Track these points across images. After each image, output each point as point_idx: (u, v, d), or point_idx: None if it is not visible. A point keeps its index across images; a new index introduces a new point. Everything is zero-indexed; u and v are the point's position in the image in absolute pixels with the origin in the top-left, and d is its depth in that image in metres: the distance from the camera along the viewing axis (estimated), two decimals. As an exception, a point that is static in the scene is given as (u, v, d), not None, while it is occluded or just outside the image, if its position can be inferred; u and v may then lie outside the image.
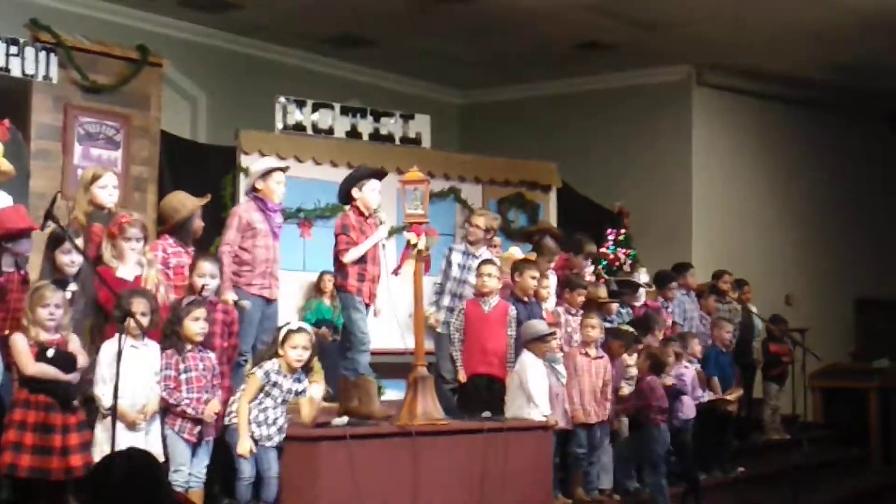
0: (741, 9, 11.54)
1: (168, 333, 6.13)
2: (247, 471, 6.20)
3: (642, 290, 10.27)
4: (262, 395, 6.29)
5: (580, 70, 13.81)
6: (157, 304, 6.06)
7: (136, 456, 3.55)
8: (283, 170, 7.44)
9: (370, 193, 7.32)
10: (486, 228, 8.78)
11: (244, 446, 6.18)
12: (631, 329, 8.66)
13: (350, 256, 7.19)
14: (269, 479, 6.26)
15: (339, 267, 7.28)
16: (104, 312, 6.10)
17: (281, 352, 6.40)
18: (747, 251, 13.55)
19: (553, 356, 7.83)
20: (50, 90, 9.32)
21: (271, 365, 6.35)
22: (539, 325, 7.76)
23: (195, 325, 6.16)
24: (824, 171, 15.13)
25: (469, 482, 7.09)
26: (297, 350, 6.41)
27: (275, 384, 6.33)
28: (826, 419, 13.52)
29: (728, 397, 9.74)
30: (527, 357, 7.67)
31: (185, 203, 7.04)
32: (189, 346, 6.13)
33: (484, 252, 8.61)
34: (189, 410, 6.01)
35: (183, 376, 6.08)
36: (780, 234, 14.48)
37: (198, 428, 6.07)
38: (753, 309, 11.42)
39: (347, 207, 7.44)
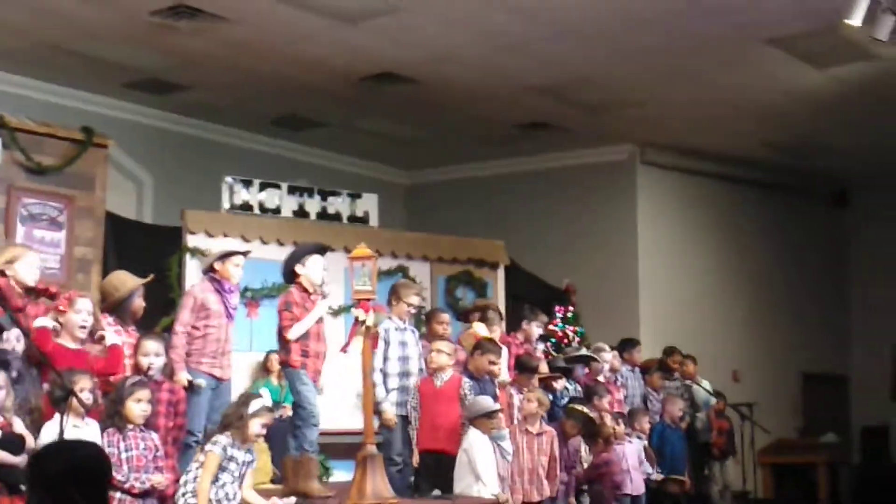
0: (682, 90, 11.76)
1: (110, 413, 6.02)
2: None
3: (606, 356, 10.20)
4: (219, 471, 6.16)
5: (525, 149, 13.96)
6: (97, 382, 5.97)
7: (81, 447, 3.48)
8: (244, 254, 7.49)
9: (313, 269, 7.34)
10: (417, 305, 8.71)
11: None
12: (584, 409, 8.58)
13: (294, 332, 7.17)
14: None
15: (283, 343, 7.26)
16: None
17: (242, 424, 6.23)
18: (694, 327, 13.63)
19: (499, 433, 7.75)
20: (-7, 171, 9.26)
21: (226, 440, 6.21)
22: (485, 402, 7.69)
23: (137, 406, 6.05)
24: (770, 247, 15.33)
25: (420, 562, 6.98)
26: (262, 428, 6.29)
27: (231, 458, 6.19)
28: (776, 495, 13.52)
29: (680, 479, 9.72)
30: (473, 434, 7.58)
31: (126, 282, 7.05)
32: (130, 426, 6.02)
33: (409, 324, 8.46)
34: (136, 484, 5.88)
35: (124, 455, 5.96)
36: (727, 310, 14.60)
37: None
38: (704, 384, 11.45)
39: (291, 287, 7.41)
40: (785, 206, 15.54)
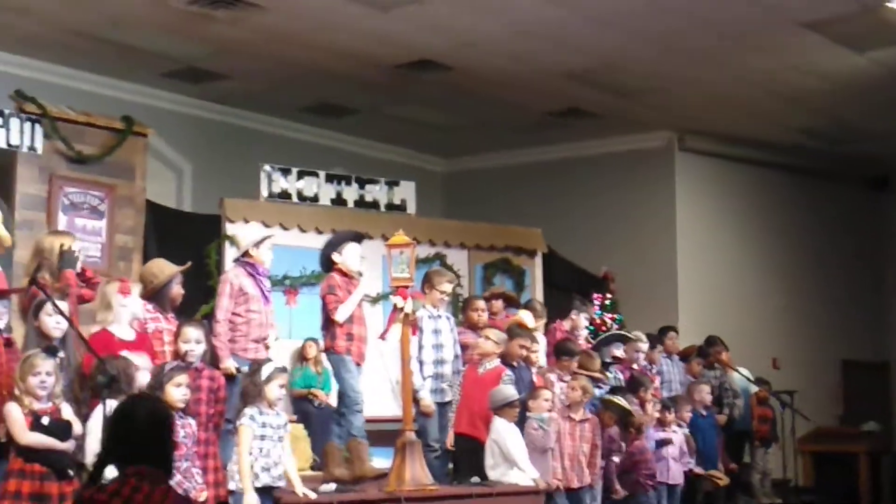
0: (717, 75, 11.67)
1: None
2: None
3: (642, 346, 10.13)
4: (259, 441, 6.21)
5: (563, 137, 13.92)
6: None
7: (157, 399, 3.76)
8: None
9: (350, 257, 7.37)
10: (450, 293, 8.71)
11: (250, 501, 6.10)
12: (625, 404, 8.54)
13: (341, 314, 7.19)
14: None
15: (328, 328, 7.28)
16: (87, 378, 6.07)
17: (258, 391, 6.32)
18: (733, 314, 13.55)
19: (540, 415, 7.76)
20: (35, 161, 9.35)
21: (251, 410, 6.28)
22: (507, 391, 7.68)
23: (177, 391, 6.10)
24: (808, 233, 15.21)
25: (459, 548, 7.00)
26: (280, 389, 6.40)
27: (264, 424, 6.27)
28: (817, 483, 13.43)
29: (717, 477, 9.67)
30: (500, 423, 7.59)
31: (164, 269, 7.12)
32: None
33: (444, 311, 8.47)
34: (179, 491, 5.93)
35: None
36: (765, 297, 14.50)
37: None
38: (743, 371, 11.39)
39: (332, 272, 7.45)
40: (823, 191, 15.39)
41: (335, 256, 7.39)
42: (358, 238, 7.57)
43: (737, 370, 11.31)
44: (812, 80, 11.84)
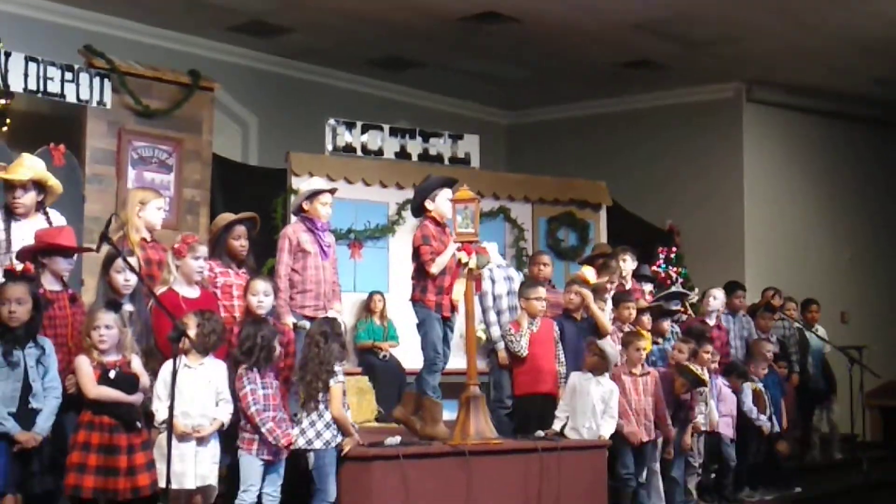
0: (789, 24, 11.45)
1: (246, 351, 6.13)
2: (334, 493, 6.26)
3: (715, 304, 10.02)
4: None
5: (628, 88, 13.78)
6: (217, 324, 6.09)
7: None
8: (331, 192, 7.42)
9: (443, 203, 7.22)
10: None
11: (352, 441, 6.32)
12: (696, 369, 8.45)
13: (437, 265, 7.06)
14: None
15: (420, 279, 7.16)
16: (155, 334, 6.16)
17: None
18: (800, 268, 13.40)
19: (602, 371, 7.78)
20: (104, 115, 9.47)
21: (339, 367, 6.40)
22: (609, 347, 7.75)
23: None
24: (878, 186, 14.96)
25: (524, 502, 7.03)
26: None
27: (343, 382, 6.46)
28: (884, 438, 13.30)
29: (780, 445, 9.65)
30: (575, 377, 7.63)
31: (221, 219, 7.17)
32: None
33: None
34: (270, 439, 6.04)
35: (260, 392, 6.10)
36: (834, 251, 14.32)
37: (274, 448, 6.11)
38: (819, 329, 11.26)
39: (425, 220, 7.33)
40: (893, 142, 15.09)
41: (428, 203, 7.23)
42: (450, 183, 7.38)
43: (808, 328, 11.15)
44: (885, 29, 11.55)
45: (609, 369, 7.63)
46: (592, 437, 7.50)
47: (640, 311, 8.63)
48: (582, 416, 7.54)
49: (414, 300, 7.23)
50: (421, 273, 7.14)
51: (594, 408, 7.52)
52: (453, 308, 7.20)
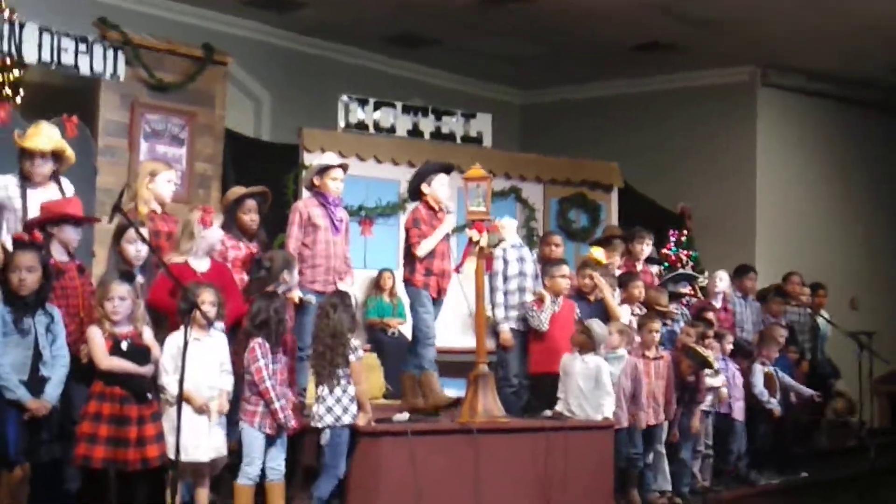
0: (806, 8, 11.39)
1: (258, 324, 6.10)
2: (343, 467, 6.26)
3: (721, 288, 10.02)
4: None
5: (642, 70, 13.73)
6: (224, 297, 6.10)
7: None
8: (343, 167, 7.45)
9: (439, 188, 7.31)
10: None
11: (366, 417, 6.33)
12: (703, 351, 8.45)
13: (423, 249, 7.17)
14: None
15: (409, 261, 7.28)
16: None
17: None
18: (812, 253, 13.36)
19: (615, 353, 7.75)
20: (117, 88, 9.46)
21: (357, 342, 6.41)
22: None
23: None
24: (891, 173, 14.89)
25: (530, 480, 7.04)
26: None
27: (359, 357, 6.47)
28: (893, 424, 13.28)
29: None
30: (590, 358, 7.62)
31: (232, 192, 7.19)
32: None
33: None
34: (280, 416, 6.03)
35: (272, 366, 6.09)
36: (845, 236, 14.27)
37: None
38: (825, 314, 11.23)
39: (418, 204, 7.41)
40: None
41: (424, 187, 7.33)
42: (447, 169, 7.48)
43: (820, 314, 11.11)
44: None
45: (596, 349, 7.59)
46: (583, 417, 7.48)
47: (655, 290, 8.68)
48: (571, 396, 7.55)
49: (404, 280, 7.40)
50: (410, 255, 7.26)
51: (580, 388, 7.51)
52: (440, 290, 7.27)
